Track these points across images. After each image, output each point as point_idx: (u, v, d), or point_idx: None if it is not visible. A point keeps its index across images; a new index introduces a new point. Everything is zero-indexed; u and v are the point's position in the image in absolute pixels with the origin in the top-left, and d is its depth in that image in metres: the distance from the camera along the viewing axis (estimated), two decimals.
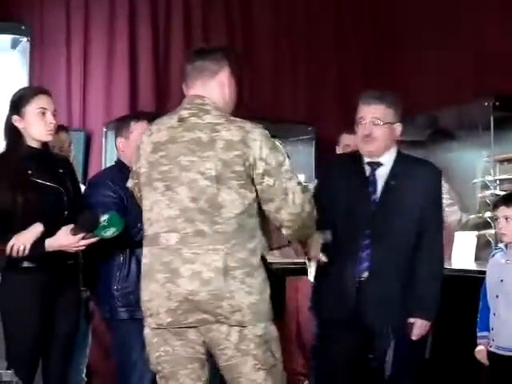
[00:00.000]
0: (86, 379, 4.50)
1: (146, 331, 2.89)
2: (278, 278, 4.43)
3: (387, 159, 3.50)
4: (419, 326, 3.42)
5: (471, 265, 4.80)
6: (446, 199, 5.18)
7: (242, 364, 2.79)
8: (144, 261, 2.88)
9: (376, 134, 3.42)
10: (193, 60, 2.97)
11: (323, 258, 3.30)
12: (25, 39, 5.06)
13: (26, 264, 3.44)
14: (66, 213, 3.51)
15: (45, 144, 3.59)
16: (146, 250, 2.87)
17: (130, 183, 3.06)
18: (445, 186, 5.24)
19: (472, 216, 5.26)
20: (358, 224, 3.41)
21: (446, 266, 4.74)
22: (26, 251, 3.35)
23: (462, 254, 4.97)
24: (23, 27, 5.13)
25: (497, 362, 3.69)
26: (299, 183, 2.86)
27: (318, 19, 6.59)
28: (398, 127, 3.50)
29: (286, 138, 6.03)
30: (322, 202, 3.20)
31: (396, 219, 3.41)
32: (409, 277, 3.41)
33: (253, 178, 2.78)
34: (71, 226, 3.39)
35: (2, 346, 3.70)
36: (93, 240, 3.42)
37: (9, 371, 3.03)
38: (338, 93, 6.53)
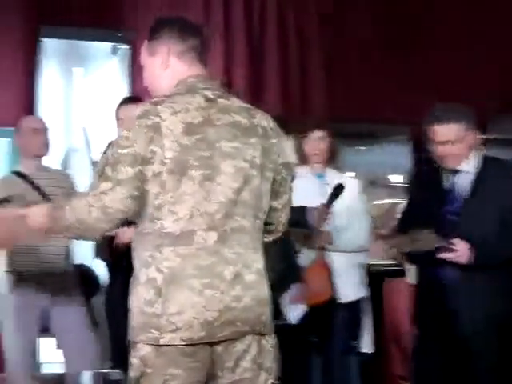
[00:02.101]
0: None
1: (147, 351, 2.32)
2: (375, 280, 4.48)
3: (469, 166, 3.56)
4: (459, 247, 3.38)
5: None
6: None
7: (255, 378, 2.43)
8: (167, 264, 2.33)
9: (454, 152, 3.49)
10: (195, 35, 2.55)
11: None
12: (125, 46, 5.18)
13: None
14: None
15: None
16: (168, 251, 2.33)
17: (124, 173, 2.31)
18: None
19: None
20: (444, 230, 3.46)
21: None
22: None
23: None
24: (123, 35, 5.26)
25: None
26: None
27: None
28: (474, 135, 3.54)
29: (383, 137, 6.01)
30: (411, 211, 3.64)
31: (479, 224, 3.47)
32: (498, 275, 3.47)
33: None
34: None
35: (106, 347, 3.82)
36: None
37: (116, 370, 3.10)
38: (432, 92, 6.42)
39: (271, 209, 2.53)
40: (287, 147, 2.66)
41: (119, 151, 2.33)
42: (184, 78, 2.48)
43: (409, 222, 3.59)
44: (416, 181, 3.95)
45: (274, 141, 2.50)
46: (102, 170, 2.36)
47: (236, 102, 2.50)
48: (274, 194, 2.52)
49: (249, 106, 2.53)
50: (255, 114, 2.50)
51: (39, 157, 4.22)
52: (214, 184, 2.36)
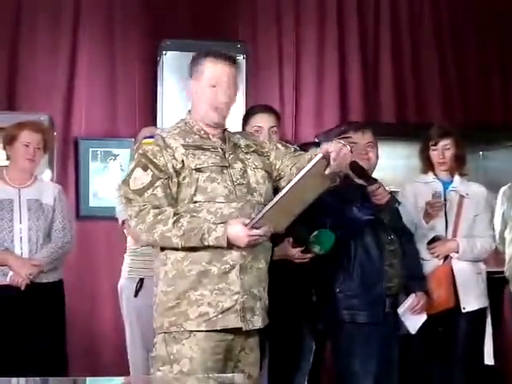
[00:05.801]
0: None
1: None
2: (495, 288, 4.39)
3: None
4: None
5: None
6: None
7: None
8: None
9: None
10: None
11: None
12: (241, 57, 5.26)
13: None
14: None
15: None
16: None
17: None
18: None
19: None
20: None
21: None
22: None
23: None
24: (239, 45, 5.34)
25: None
26: None
27: None
28: None
29: (498, 144, 5.88)
30: None
31: None
32: None
33: None
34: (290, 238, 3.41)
35: None
36: (309, 255, 3.43)
37: (241, 374, 2.97)
38: None
39: None
40: None
41: None
42: None
43: None
44: None
45: None
46: None
47: None
48: None
49: None
50: None
51: None
52: None
